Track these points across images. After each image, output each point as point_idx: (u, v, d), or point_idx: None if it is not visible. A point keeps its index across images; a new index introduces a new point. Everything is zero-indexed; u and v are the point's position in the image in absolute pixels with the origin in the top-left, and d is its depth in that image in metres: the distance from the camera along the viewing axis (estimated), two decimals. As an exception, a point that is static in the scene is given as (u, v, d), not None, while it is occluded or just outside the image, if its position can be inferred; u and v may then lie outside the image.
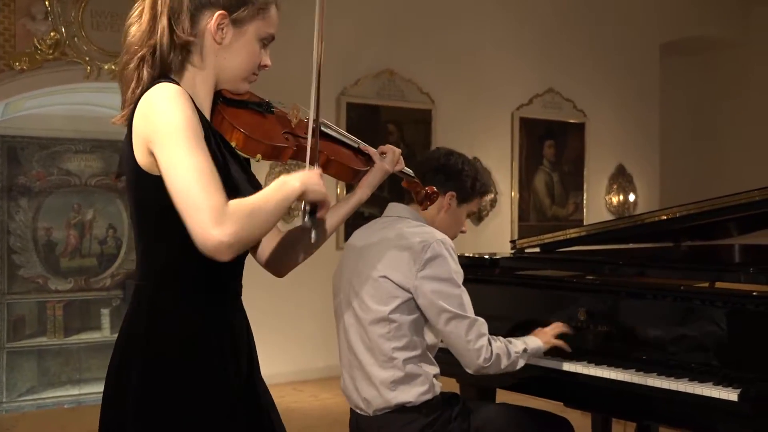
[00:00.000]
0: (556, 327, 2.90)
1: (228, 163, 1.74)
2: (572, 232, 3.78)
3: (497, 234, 7.95)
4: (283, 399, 6.26)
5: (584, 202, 8.53)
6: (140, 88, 1.71)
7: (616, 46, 8.59)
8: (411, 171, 2.30)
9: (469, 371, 2.63)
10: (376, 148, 2.12)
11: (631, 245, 4.19)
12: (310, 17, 1.83)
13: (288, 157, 1.86)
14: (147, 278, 1.74)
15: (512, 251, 3.93)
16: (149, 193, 1.67)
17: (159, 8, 1.73)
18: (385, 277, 2.57)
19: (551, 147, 8.27)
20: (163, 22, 1.72)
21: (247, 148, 1.79)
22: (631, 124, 8.78)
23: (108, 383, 1.76)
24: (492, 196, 7.80)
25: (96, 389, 6.87)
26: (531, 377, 2.95)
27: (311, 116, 1.84)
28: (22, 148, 6.59)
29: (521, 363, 2.70)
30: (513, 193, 8.07)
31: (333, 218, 2.02)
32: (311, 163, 1.81)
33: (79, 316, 6.79)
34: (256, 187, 1.81)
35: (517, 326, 3.17)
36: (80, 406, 6.79)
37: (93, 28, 5.90)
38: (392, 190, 7.19)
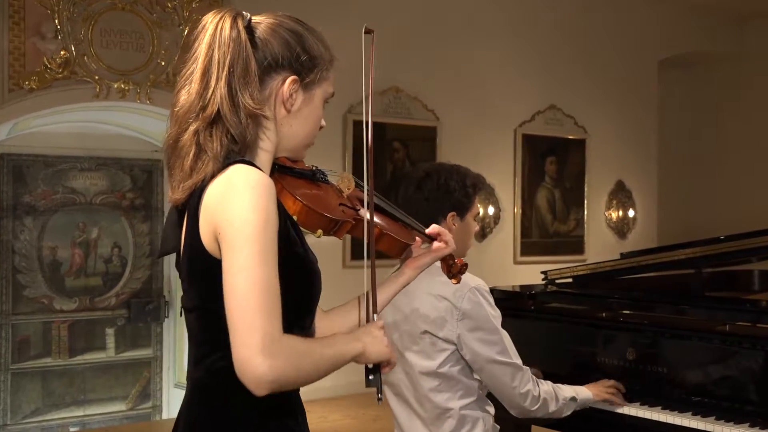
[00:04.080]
0: (611, 383, 2.89)
1: (305, 245, 1.55)
2: (606, 265, 3.80)
3: (500, 250, 7.97)
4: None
5: (585, 217, 8.56)
6: (204, 163, 1.48)
7: (615, 63, 8.64)
8: None
9: (514, 414, 2.63)
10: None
11: (653, 273, 4.21)
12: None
13: (345, 231, 1.69)
14: (211, 375, 1.50)
15: (543, 281, 3.94)
16: (218, 279, 1.43)
17: (215, 72, 1.51)
18: (427, 332, 2.54)
19: (553, 163, 8.29)
20: (221, 89, 1.49)
21: (309, 222, 1.61)
22: (630, 139, 8.84)
23: None
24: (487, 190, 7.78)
25: (101, 410, 6.79)
26: (571, 415, 2.94)
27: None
28: (28, 167, 6.50)
29: (568, 411, 2.70)
30: (516, 210, 8.08)
31: (381, 297, 1.81)
32: (374, 311, 1.67)
33: (83, 336, 6.69)
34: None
35: (564, 363, 3.18)
36: (85, 428, 6.71)
37: (102, 47, 5.85)
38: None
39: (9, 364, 6.40)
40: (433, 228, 1.89)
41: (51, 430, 6.56)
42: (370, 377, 1.60)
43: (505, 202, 8.03)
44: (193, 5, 6.10)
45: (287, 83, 1.56)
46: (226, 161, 1.48)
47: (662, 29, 8.90)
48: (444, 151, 7.44)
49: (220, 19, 1.54)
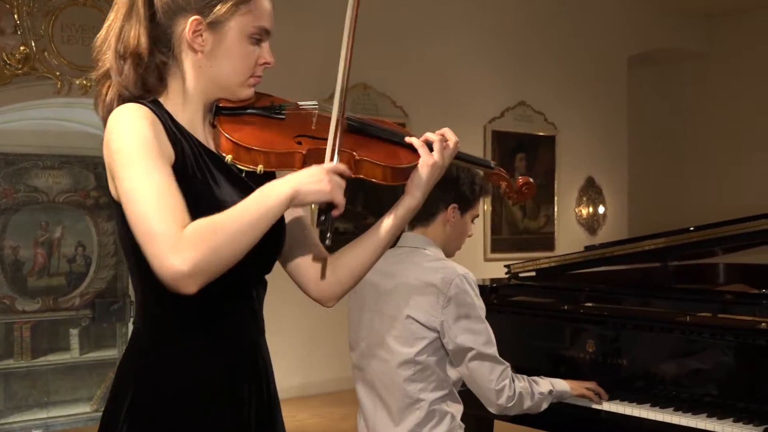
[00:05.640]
0: (590, 384, 2.85)
1: (211, 182, 1.55)
2: (570, 258, 3.77)
3: (469, 247, 7.90)
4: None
5: (555, 214, 8.55)
6: (104, 110, 1.60)
7: (585, 59, 8.64)
8: (479, 157, 1.97)
9: (491, 411, 2.59)
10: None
11: (618, 267, 4.19)
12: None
13: (300, 163, 1.61)
14: (141, 320, 1.60)
15: (507, 275, 3.91)
16: (126, 226, 1.49)
17: (113, 30, 1.59)
18: (410, 317, 2.50)
19: (523, 160, 8.28)
20: (114, 45, 1.58)
21: (243, 158, 1.59)
22: (600, 136, 8.84)
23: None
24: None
25: (64, 412, 6.67)
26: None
27: (334, 111, 1.61)
28: (-13, 165, 6.38)
29: (545, 405, 2.65)
30: (485, 206, 8.05)
31: (377, 236, 1.70)
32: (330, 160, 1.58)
33: (47, 337, 6.56)
34: None
35: (527, 357, 3.15)
36: (49, 430, 6.59)
37: (63, 42, 5.74)
38: (368, 205, 7.13)
39: (-30, 365, 6.28)
40: (427, 135, 1.71)
41: (14, 433, 6.45)
42: (322, 218, 1.53)
43: (474, 198, 7.99)
44: (156, 0, 6.01)
45: (188, 24, 1.56)
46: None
47: (632, 25, 8.92)
48: (413, 147, 7.39)
49: None
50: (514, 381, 2.57)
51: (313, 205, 1.54)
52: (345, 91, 1.64)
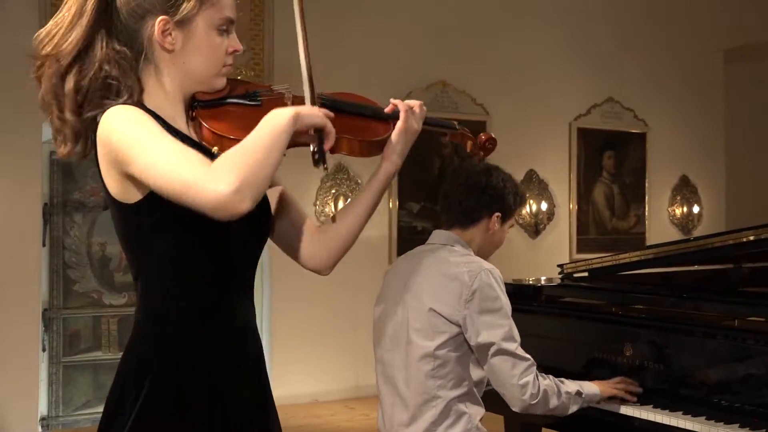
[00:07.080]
0: (620, 380, 2.75)
1: None
2: (623, 258, 3.62)
3: (555, 247, 7.76)
4: (333, 417, 6.19)
5: (646, 214, 8.28)
6: (82, 118, 1.59)
7: (677, 53, 8.32)
8: (444, 120, 2.04)
9: (515, 409, 2.51)
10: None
11: (686, 268, 4.00)
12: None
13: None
14: (142, 313, 1.63)
15: (559, 275, 3.79)
16: (128, 224, 1.59)
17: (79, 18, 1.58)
18: (432, 310, 2.47)
19: (611, 158, 8.05)
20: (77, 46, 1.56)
21: (228, 148, 1.61)
22: (694, 133, 8.49)
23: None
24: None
25: (149, 403, 6.90)
26: (581, 416, 2.78)
27: (304, 71, 1.69)
28: (77, 164, 6.65)
29: (573, 408, 2.56)
30: (571, 206, 7.87)
31: (365, 198, 1.83)
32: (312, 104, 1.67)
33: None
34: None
35: (565, 360, 3.05)
36: (133, 420, 6.83)
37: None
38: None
39: (60, 357, 6.56)
40: (390, 105, 1.82)
41: (101, 423, 6.69)
42: (316, 156, 1.60)
43: (559, 197, 7.82)
44: None
45: (157, 25, 1.58)
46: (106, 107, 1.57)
47: (727, 17, 8.51)
48: (494, 145, 7.28)
49: None
50: (538, 378, 2.49)
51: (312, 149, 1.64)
52: (310, 70, 1.70)
